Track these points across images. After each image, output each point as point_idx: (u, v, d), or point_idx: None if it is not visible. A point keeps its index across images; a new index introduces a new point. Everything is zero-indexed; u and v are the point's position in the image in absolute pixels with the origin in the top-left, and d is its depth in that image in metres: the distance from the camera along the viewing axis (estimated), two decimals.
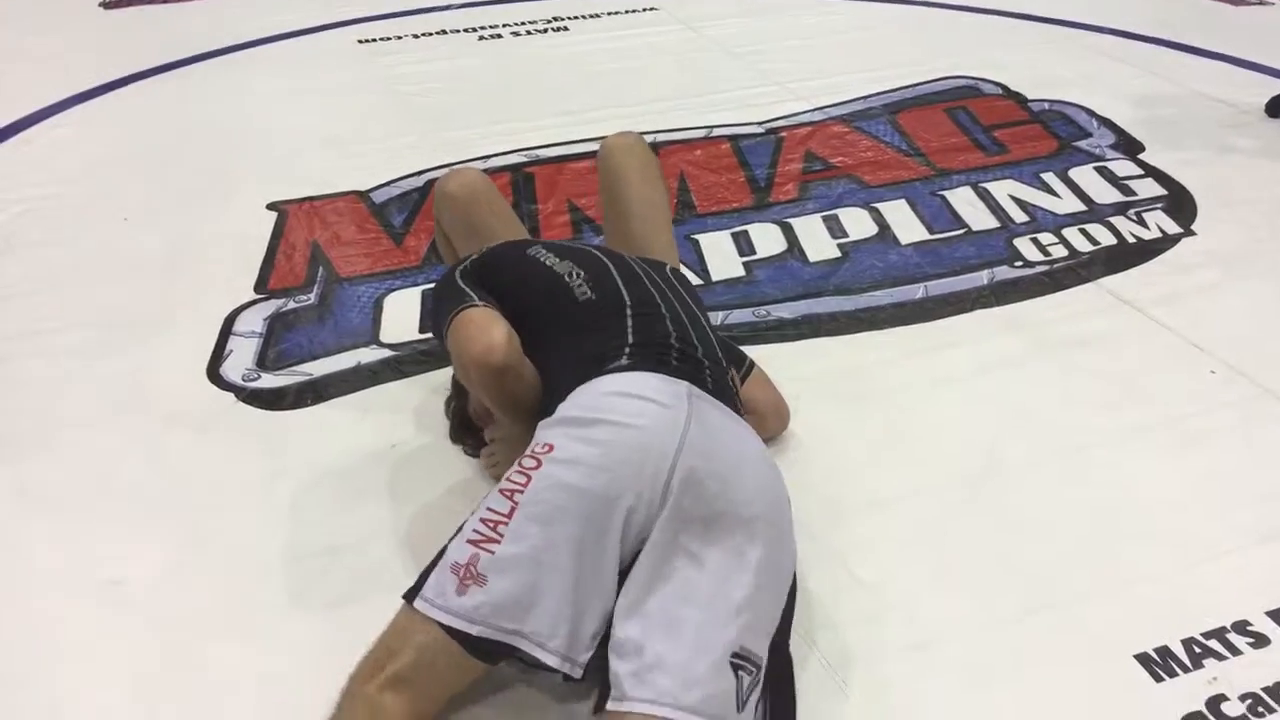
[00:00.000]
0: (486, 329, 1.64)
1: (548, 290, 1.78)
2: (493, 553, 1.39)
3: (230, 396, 2.21)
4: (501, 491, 1.45)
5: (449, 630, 1.37)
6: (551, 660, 1.39)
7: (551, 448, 1.46)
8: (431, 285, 2.56)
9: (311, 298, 2.55)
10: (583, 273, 1.80)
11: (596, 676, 1.42)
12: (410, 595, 1.42)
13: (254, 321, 2.45)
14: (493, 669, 1.45)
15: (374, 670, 1.38)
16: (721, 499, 1.45)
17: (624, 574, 1.44)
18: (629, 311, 1.72)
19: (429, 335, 2.34)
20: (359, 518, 1.89)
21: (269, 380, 2.25)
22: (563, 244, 1.98)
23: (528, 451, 1.49)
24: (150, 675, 1.60)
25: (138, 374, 2.28)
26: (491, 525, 1.41)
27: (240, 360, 2.32)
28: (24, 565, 1.81)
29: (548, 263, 1.83)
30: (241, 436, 2.10)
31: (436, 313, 1.86)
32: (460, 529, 1.46)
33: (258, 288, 2.59)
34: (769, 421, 2.00)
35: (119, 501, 1.94)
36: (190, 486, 1.97)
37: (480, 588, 1.37)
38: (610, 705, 1.36)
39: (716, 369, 1.69)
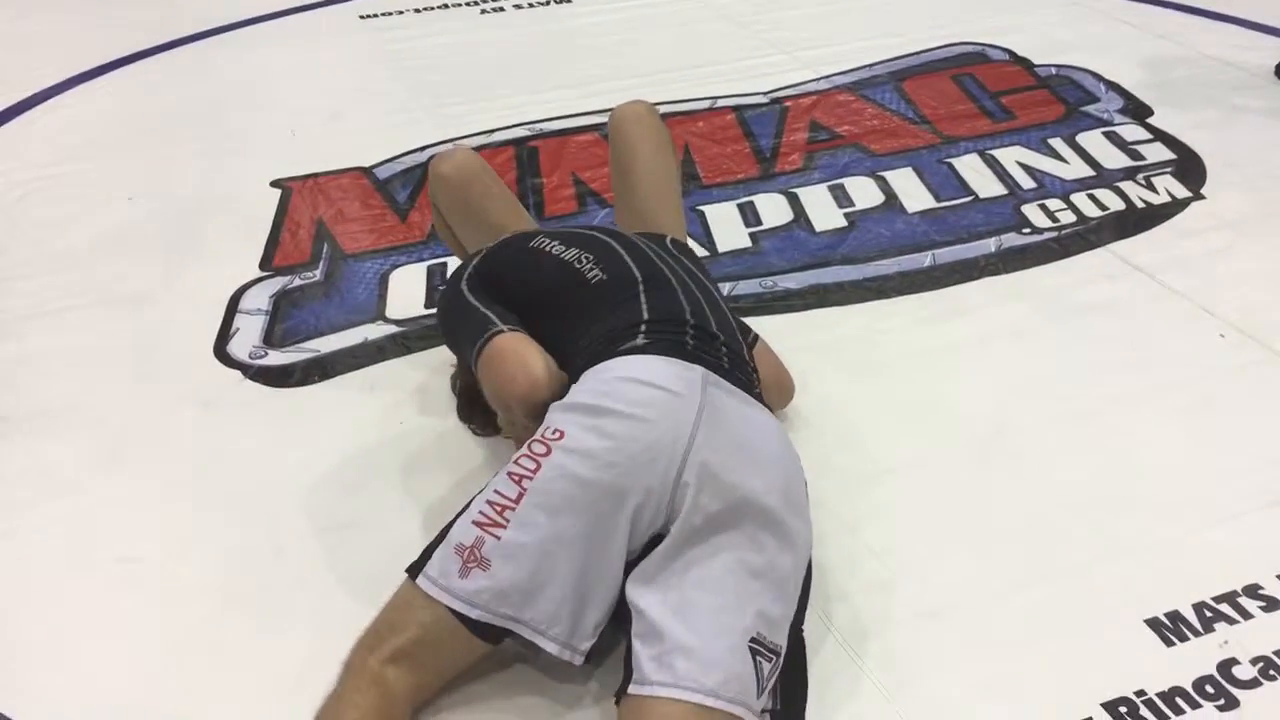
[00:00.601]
0: (525, 364, 1.61)
1: (559, 280, 1.77)
2: (498, 538, 1.39)
3: (238, 374, 2.21)
4: (510, 475, 1.44)
5: (450, 610, 1.37)
6: (551, 647, 1.41)
7: (563, 435, 1.45)
8: (436, 262, 2.56)
9: (317, 274, 2.55)
10: (590, 256, 1.79)
11: (606, 661, 1.43)
12: (414, 571, 1.42)
13: (260, 299, 2.45)
14: (497, 647, 1.45)
15: (376, 643, 1.39)
16: (738, 490, 1.44)
17: (632, 565, 1.45)
18: (641, 288, 1.71)
19: (434, 310, 2.33)
20: (368, 494, 1.90)
21: (276, 357, 2.26)
22: (565, 230, 1.97)
23: (539, 435, 1.48)
24: (160, 652, 1.61)
25: (145, 352, 2.28)
26: (499, 509, 1.41)
27: (247, 338, 2.31)
28: (35, 544, 1.81)
29: (554, 251, 1.82)
30: (249, 414, 2.10)
31: (455, 336, 1.87)
32: (467, 507, 1.46)
33: (263, 265, 2.59)
34: (772, 395, 1.96)
35: (129, 480, 1.94)
36: (199, 465, 1.98)
37: (484, 572, 1.38)
38: (632, 689, 1.37)
39: (732, 341, 1.67)
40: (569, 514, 1.40)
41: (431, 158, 2.19)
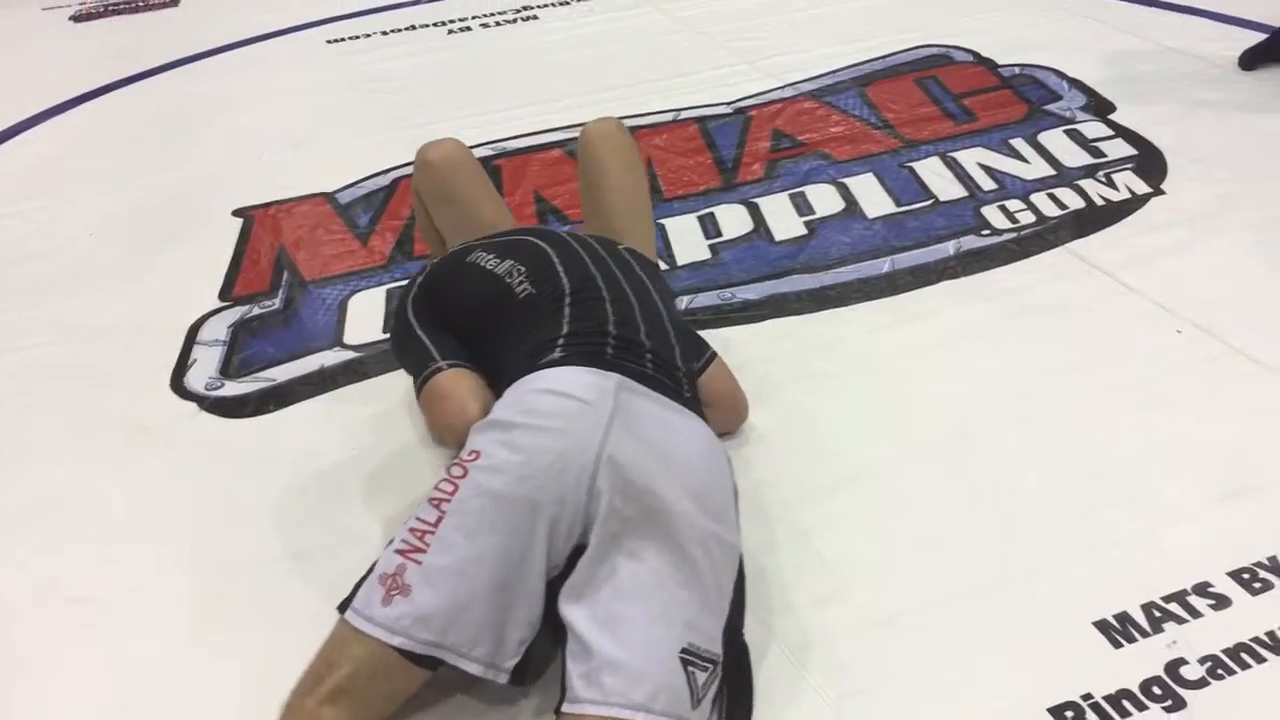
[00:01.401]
0: (463, 408, 1.68)
1: (489, 296, 1.78)
2: (419, 563, 1.39)
3: (194, 406, 2.21)
4: (430, 501, 1.45)
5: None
6: (474, 669, 1.40)
7: (478, 455, 1.46)
8: (396, 285, 2.56)
9: (276, 303, 2.55)
10: (523, 269, 1.79)
11: (548, 683, 1.43)
12: (343, 606, 1.42)
13: (218, 330, 2.45)
14: (435, 675, 1.45)
15: (313, 684, 1.38)
16: (651, 494, 1.44)
17: (557, 579, 1.44)
18: (567, 300, 1.71)
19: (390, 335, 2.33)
20: (321, 522, 1.89)
21: (232, 388, 2.26)
22: (506, 239, 1.97)
23: (456, 459, 1.49)
24: (112, 691, 1.60)
25: (102, 389, 2.28)
26: (419, 535, 1.41)
27: (204, 369, 2.32)
28: None
29: (488, 266, 1.82)
30: (204, 447, 2.10)
31: (403, 362, 1.95)
32: (394, 537, 1.46)
33: (222, 295, 2.59)
34: (724, 415, 1.96)
35: (82, 519, 1.94)
36: (153, 500, 1.97)
37: (405, 598, 1.38)
38: (565, 708, 1.37)
39: (662, 350, 1.67)
40: (486, 532, 1.40)
41: (417, 155, 2.20)
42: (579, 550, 1.45)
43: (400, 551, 1.41)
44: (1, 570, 1.84)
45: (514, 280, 1.77)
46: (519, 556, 1.41)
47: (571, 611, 1.41)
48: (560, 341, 1.62)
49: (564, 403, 1.49)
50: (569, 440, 1.45)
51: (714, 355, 1.97)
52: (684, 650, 1.37)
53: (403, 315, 1.91)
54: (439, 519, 1.42)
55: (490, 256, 1.85)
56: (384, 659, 1.38)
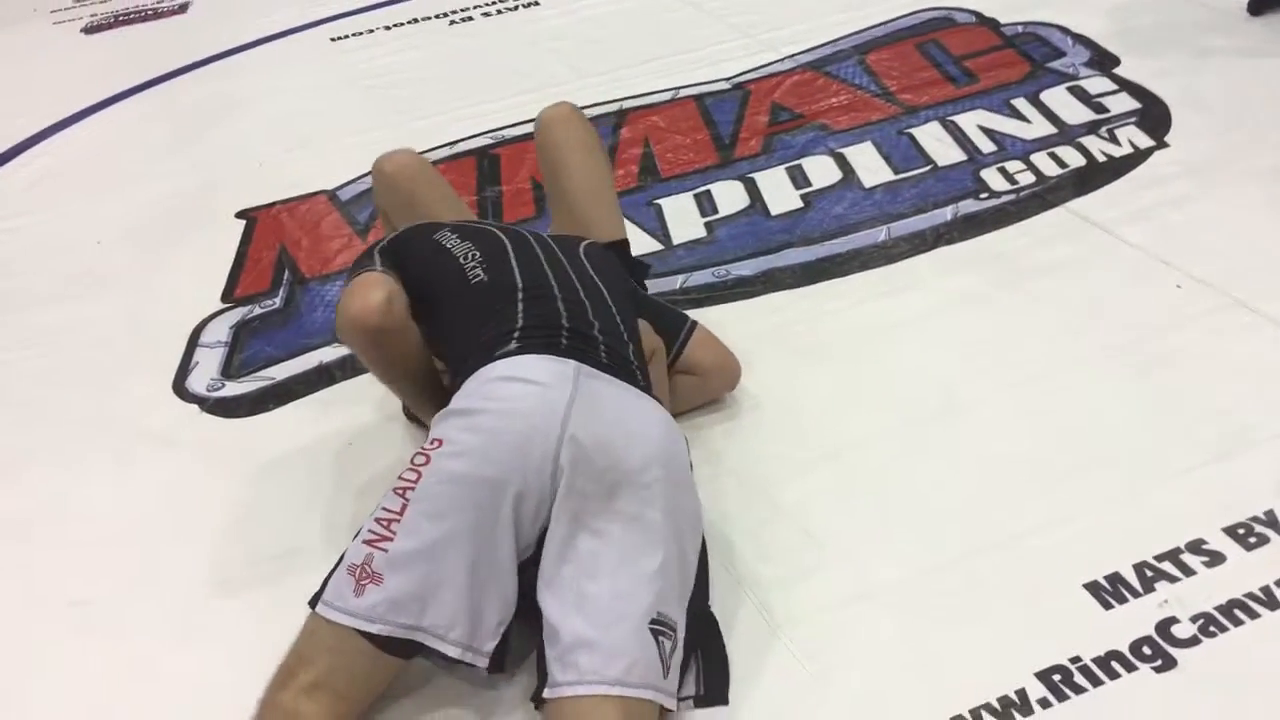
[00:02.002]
0: (367, 291, 1.65)
1: (445, 272, 1.78)
2: (386, 551, 1.40)
3: (195, 408, 2.24)
4: (394, 490, 1.46)
5: (355, 630, 1.39)
6: (453, 651, 1.41)
7: (440, 442, 1.48)
8: None
9: (277, 302, 2.57)
10: (478, 254, 1.79)
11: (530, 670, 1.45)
12: (314, 601, 1.44)
13: (220, 331, 2.48)
14: (410, 664, 1.47)
15: (287, 678, 1.39)
16: (614, 470, 1.46)
17: (530, 562, 1.46)
18: (520, 295, 1.71)
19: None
20: (318, 518, 1.91)
21: (233, 388, 2.28)
22: (471, 225, 1.97)
23: (420, 448, 1.50)
24: (112, 691, 1.64)
25: (107, 394, 2.31)
26: (385, 524, 1.43)
27: (206, 371, 2.35)
28: None
29: (448, 244, 1.83)
30: (205, 447, 2.13)
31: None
32: (360, 529, 1.47)
33: (224, 297, 2.62)
34: (713, 380, 1.99)
35: (84, 523, 1.98)
36: (155, 502, 2.01)
37: (377, 586, 1.39)
38: (546, 693, 1.39)
39: (615, 343, 1.68)
40: (452, 515, 1.41)
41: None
42: (546, 531, 1.46)
43: (367, 542, 1.43)
44: (3, 574, 1.88)
45: (468, 263, 1.77)
46: (488, 535, 1.42)
47: (543, 597, 1.43)
48: (516, 334, 1.63)
49: (524, 387, 1.51)
50: (531, 421, 1.47)
51: (693, 325, 1.98)
52: (652, 621, 1.39)
53: (365, 252, 1.87)
54: (404, 506, 1.43)
55: (453, 236, 1.85)
56: (360, 649, 1.39)
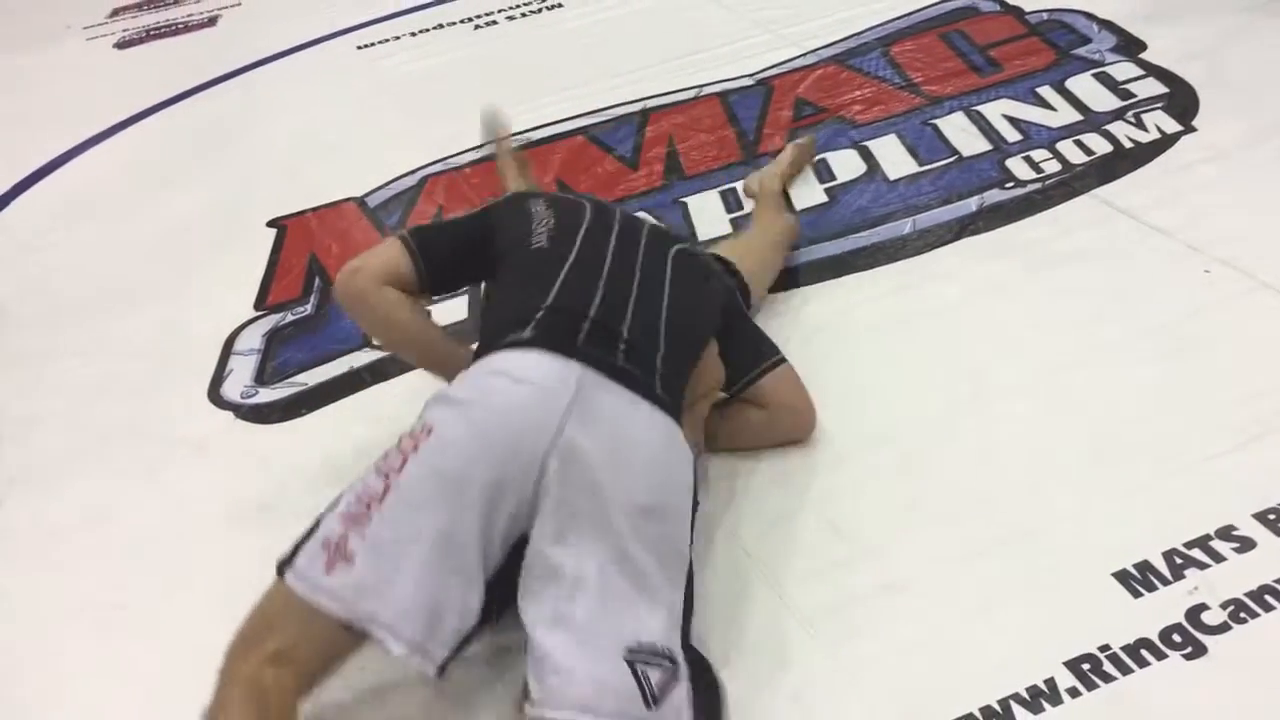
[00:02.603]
0: (367, 256, 1.81)
1: (513, 236, 1.79)
2: (362, 534, 1.39)
3: (229, 415, 2.28)
4: (378, 469, 1.45)
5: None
6: (399, 649, 1.36)
7: (431, 430, 1.46)
8: None
9: (308, 309, 2.61)
10: (553, 221, 1.78)
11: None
12: (283, 567, 1.42)
13: (253, 339, 2.52)
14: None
15: (251, 644, 1.38)
16: (602, 490, 1.43)
17: (502, 570, 1.43)
18: (566, 267, 1.69)
19: None
20: None
21: (266, 395, 2.32)
22: (567, 197, 2.00)
23: (410, 430, 1.49)
24: (152, 697, 1.67)
25: (143, 403, 2.36)
26: (365, 503, 1.41)
27: (240, 379, 2.38)
28: (33, 597, 1.90)
29: (532, 209, 1.83)
30: (239, 454, 2.17)
31: None
32: (338, 499, 1.47)
33: (257, 305, 2.66)
34: (781, 418, 1.92)
35: (121, 529, 2.02)
36: (190, 508, 2.04)
37: (347, 566, 1.37)
38: (525, 709, 1.37)
39: (642, 343, 1.62)
40: (429, 508, 1.39)
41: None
42: (522, 543, 1.44)
43: (344, 516, 1.41)
44: (46, 578, 1.93)
45: (536, 228, 1.77)
46: (459, 538, 1.39)
47: (525, 611, 1.41)
48: (537, 317, 1.60)
49: (521, 387, 1.48)
50: (524, 422, 1.44)
51: (780, 361, 1.94)
52: (631, 649, 1.36)
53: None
54: (385, 490, 1.41)
55: (539, 203, 1.86)
56: (326, 624, 1.37)
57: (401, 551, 1.38)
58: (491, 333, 1.66)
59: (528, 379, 1.50)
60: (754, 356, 1.92)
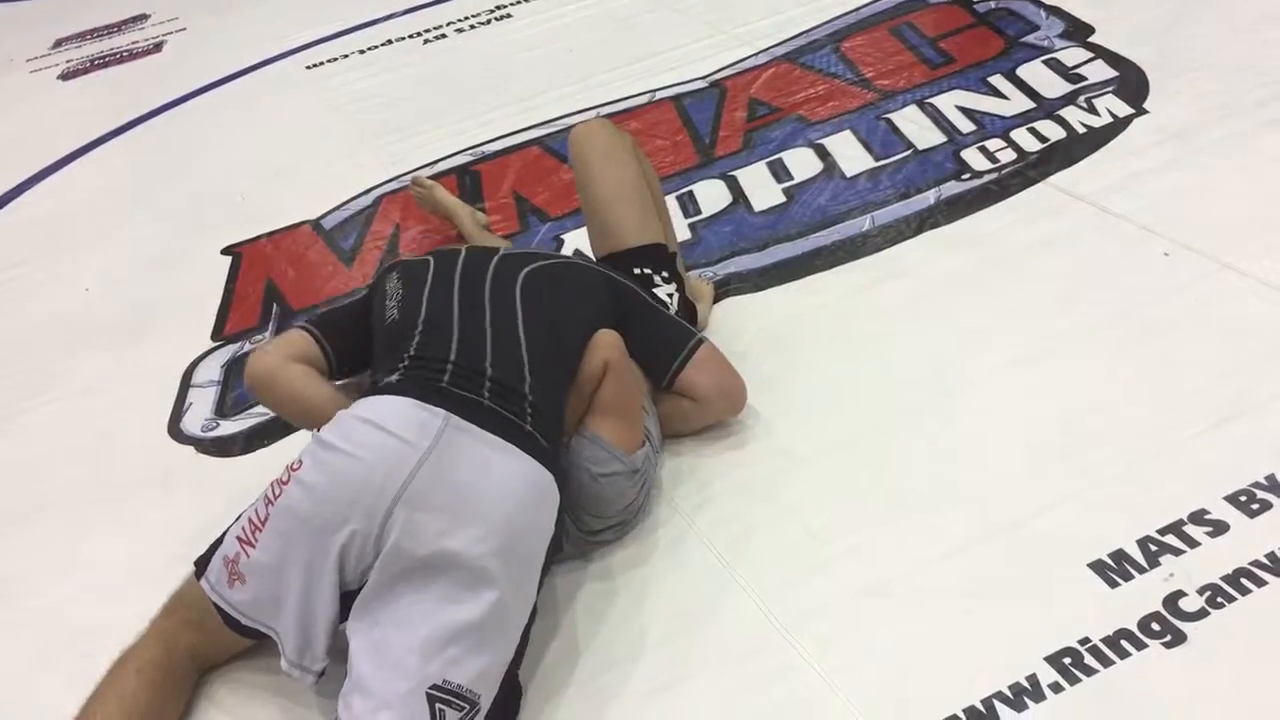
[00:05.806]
0: (274, 347, 1.88)
1: (377, 313, 1.86)
2: (249, 556, 1.53)
3: (191, 449, 2.24)
4: (266, 496, 1.56)
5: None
6: (283, 664, 1.52)
7: (300, 466, 1.55)
8: None
9: (266, 336, 2.57)
10: (401, 290, 1.84)
11: None
12: (199, 566, 1.61)
13: (212, 370, 2.48)
14: None
15: (173, 611, 1.61)
16: (444, 537, 1.46)
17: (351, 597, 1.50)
18: (418, 329, 1.74)
19: None
20: None
21: (227, 427, 2.28)
22: (418, 257, 1.98)
23: (291, 461, 1.57)
24: None
25: (104, 441, 2.32)
26: (253, 528, 1.54)
27: (200, 411, 2.34)
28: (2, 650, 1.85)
29: (388, 285, 1.89)
30: (201, 489, 2.12)
31: None
32: (240, 515, 1.60)
33: (214, 335, 2.62)
34: (714, 405, 1.94)
35: (88, 574, 1.97)
36: (155, 547, 1.98)
37: (242, 585, 1.53)
38: None
39: (508, 378, 1.65)
40: (293, 542, 1.50)
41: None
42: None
43: (239, 538, 1.55)
44: (10, 633, 1.88)
45: (389, 303, 1.83)
46: (318, 569, 1.49)
47: (351, 628, 1.47)
48: (402, 365, 1.67)
49: (379, 436, 1.52)
50: (372, 472, 1.49)
51: (696, 345, 1.94)
52: (436, 686, 1.39)
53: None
54: (267, 518, 1.53)
55: (394, 275, 1.91)
56: (221, 619, 1.57)
57: (277, 576, 1.51)
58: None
59: (385, 427, 1.54)
60: (666, 351, 1.93)
